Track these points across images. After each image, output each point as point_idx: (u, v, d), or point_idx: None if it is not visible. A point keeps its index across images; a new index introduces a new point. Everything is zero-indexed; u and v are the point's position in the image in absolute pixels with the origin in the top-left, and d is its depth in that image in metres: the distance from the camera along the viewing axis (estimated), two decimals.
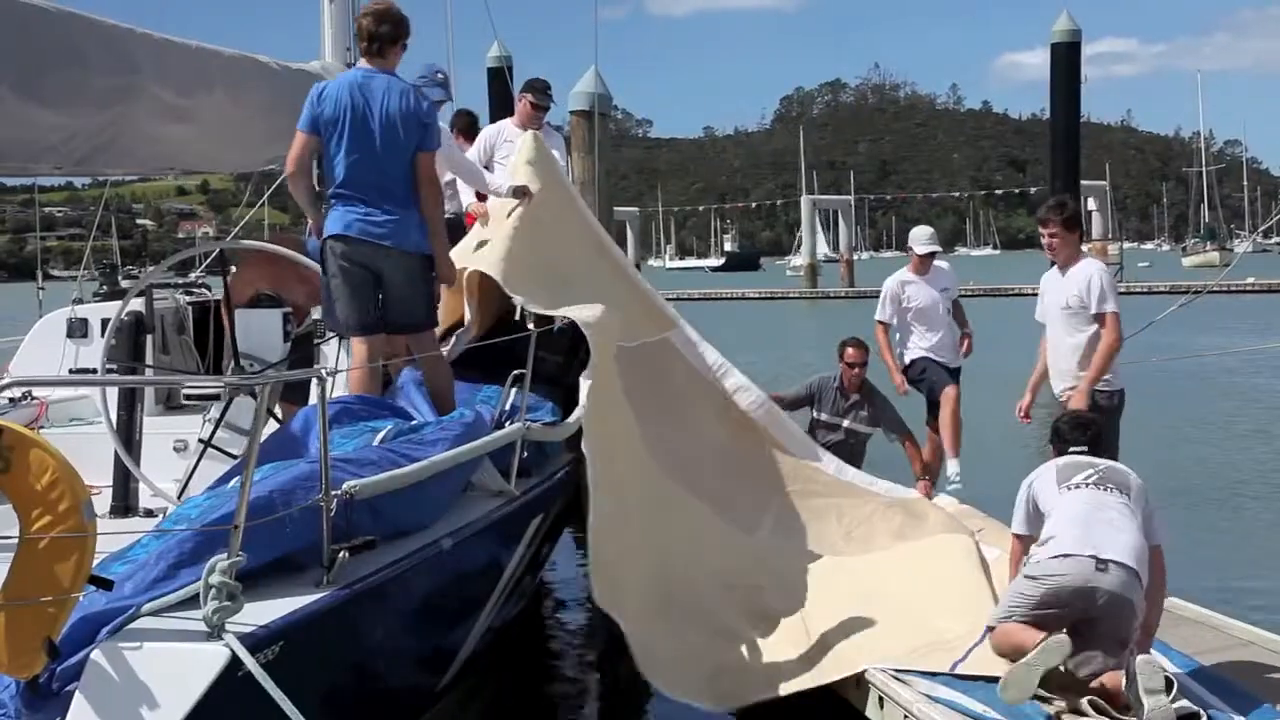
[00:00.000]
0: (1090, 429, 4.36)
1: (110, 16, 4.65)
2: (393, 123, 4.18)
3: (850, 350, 6.75)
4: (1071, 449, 4.27)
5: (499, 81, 14.38)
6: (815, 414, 6.76)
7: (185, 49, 5.06)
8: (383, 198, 4.20)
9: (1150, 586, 3.98)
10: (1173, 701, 3.68)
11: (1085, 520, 3.89)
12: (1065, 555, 3.84)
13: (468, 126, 7.15)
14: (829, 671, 4.35)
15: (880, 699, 4.09)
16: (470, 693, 4.51)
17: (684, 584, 4.90)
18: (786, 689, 4.30)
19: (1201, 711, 3.65)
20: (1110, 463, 4.21)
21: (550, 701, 5.13)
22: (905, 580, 5.12)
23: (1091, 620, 3.85)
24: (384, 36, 4.28)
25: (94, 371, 5.17)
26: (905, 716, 3.90)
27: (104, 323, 5.37)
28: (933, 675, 4.09)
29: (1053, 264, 5.22)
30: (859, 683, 4.25)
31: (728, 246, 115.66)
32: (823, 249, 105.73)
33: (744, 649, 4.60)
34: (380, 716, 3.48)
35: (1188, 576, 5.20)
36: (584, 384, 4.56)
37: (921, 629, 4.47)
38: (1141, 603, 3.85)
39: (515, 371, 4.28)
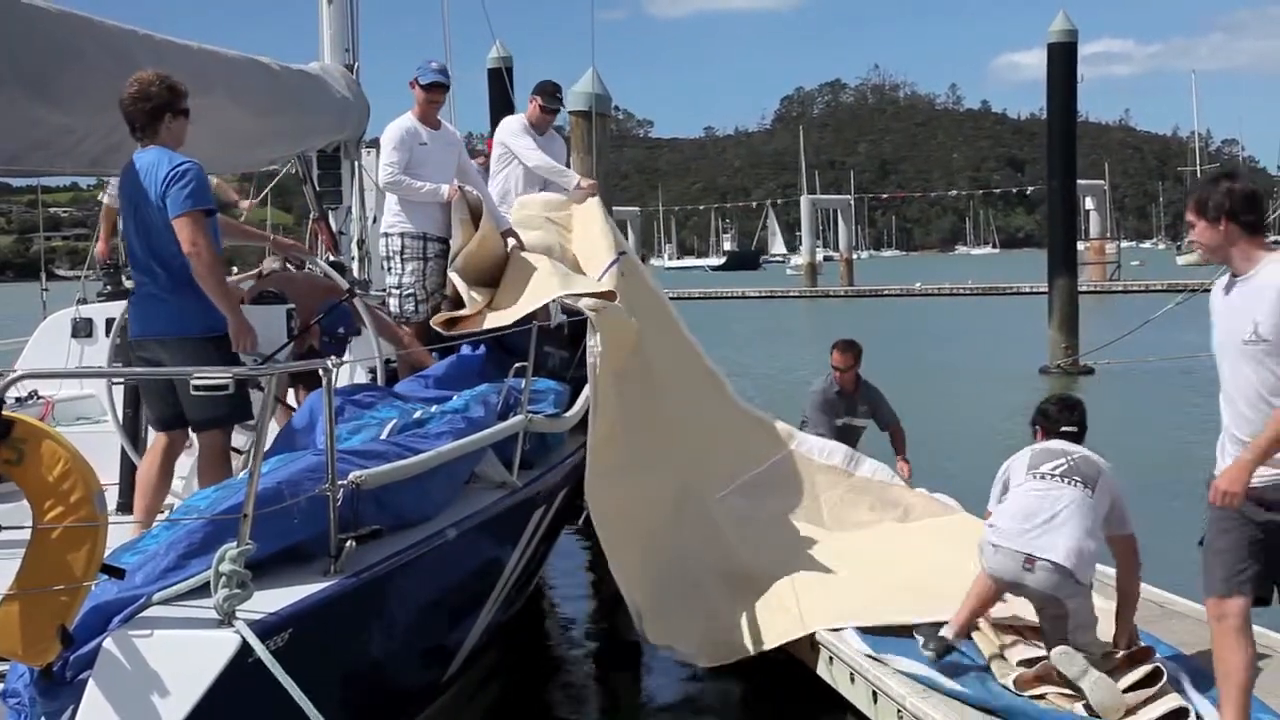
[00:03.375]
0: (1078, 410, 4.31)
1: (111, 18, 4.69)
2: (146, 200, 3.81)
3: (835, 354, 6.86)
4: (1063, 428, 4.23)
5: (498, 83, 14.42)
6: (834, 421, 6.81)
7: (185, 50, 5.09)
8: (155, 284, 3.88)
9: (1120, 572, 4.14)
10: (1161, 694, 3.74)
11: (1029, 514, 3.92)
12: (998, 546, 3.95)
13: None
14: (800, 627, 4.60)
15: (875, 694, 4.14)
16: (475, 688, 4.56)
17: (675, 551, 5.14)
18: (760, 647, 4.59)
19: (1190, 707, 3.69)
20: (1085, 453, 4.13)
21: (553, 698, 5.17)
22: (891, 551, 5.30)
23: (1038, 608, 4.04)
24: (144, 115, 3.89)
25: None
26: (898, 705, 3.96)
27: (109, 322, 5.41)
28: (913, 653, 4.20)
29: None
30: (853, 678, 4.30)
31: (728, 246, 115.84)
32: (779, 249, 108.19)
33: (727, 609, 4.85)
34: (387, 705, 3.53)
35: (1177, 571, 5.24)
36: (590, 356, 4.71)
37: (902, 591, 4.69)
38: (1078, 601, 3.92)
39: (517, 364, 4.34)
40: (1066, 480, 3.99)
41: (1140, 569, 4.22)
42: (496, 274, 5.74)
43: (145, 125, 3.88)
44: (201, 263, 3.74)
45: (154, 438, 4.14)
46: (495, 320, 5.21)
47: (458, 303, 5.58)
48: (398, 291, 5.74)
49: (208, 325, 3.85)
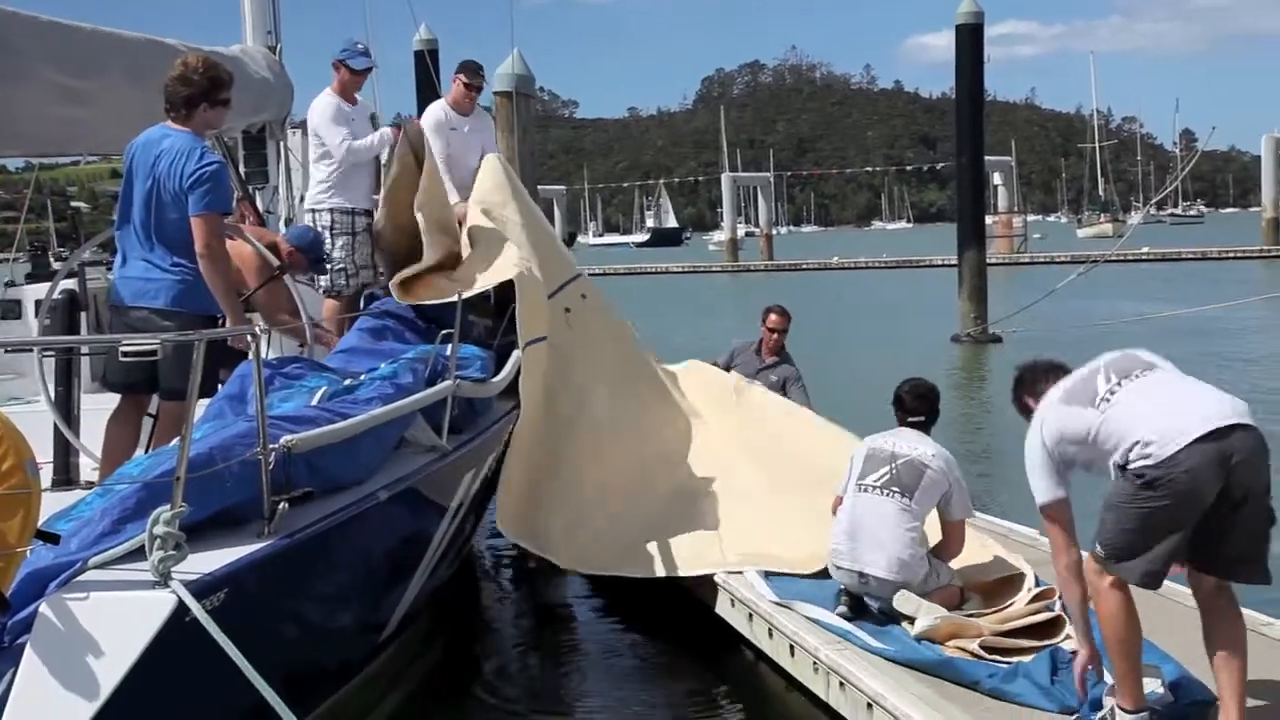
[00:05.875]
0: (929, 398, 4.62)
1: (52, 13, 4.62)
2: (166, 182, 3.89)
3: (773, 316, 7.04)
4: (911, 419, 4.55)
5: (423, 66, 14.37)
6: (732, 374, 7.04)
7: (75, 31, 5.03)
8: (155, 258, 3.96)
9: (942, 551, 4.46)
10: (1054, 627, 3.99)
11: (853, 533, 4.31)
12: (839, 566, 4.37)
13: None
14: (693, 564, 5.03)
15: (793, 648, 4.28)
16: (412, 649, 4.64)
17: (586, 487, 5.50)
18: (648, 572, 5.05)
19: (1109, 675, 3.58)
20: (911, 456, 4.35)
21: (488, 659, 5.28)
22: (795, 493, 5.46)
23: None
24: (181, 99, 4.00)
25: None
26: (813, 658, 4.14)
27: (37, 304, 5.34)
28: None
29: None
30: (771, 633, 4.46)
31: (650, 223, 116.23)
32: (671, 224, 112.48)
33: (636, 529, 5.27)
34: (324, 664, 3.61)
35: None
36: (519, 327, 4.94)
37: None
38: (920, 587, 4.27)
39: (444, 331, 4.43)
40: (885, 492, 4.30)
41: (958, 551, 4.48)
42: (447, 220, 5.88)
43: (180, 107, 4.01)
44: (213, 264, 3.92)
45: (118, 403, 4.20)
46: (455, 289, 5.29)
47: (400, 264, 5.60)
48: (328, 266, 5.75)
49: (207, 306, 4.01)
